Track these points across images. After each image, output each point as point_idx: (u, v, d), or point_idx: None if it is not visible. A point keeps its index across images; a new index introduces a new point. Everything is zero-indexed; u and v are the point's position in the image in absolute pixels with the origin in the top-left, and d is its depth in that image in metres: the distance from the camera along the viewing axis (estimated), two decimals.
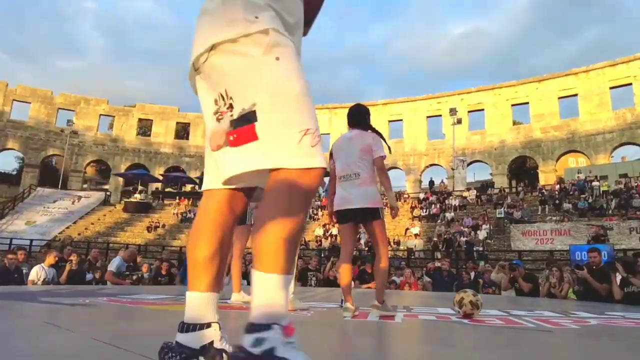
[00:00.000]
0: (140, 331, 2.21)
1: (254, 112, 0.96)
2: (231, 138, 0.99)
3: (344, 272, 3.36)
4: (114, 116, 34.98)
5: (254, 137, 0.96)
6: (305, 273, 8.36)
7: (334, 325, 2.65)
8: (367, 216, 3.21)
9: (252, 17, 0.99)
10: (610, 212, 18.60)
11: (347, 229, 3.31)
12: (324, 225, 21.46)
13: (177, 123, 35.70)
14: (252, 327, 0.90)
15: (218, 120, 1.02)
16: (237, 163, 0.98)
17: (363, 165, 3.23)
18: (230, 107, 0.99)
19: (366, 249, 15.96)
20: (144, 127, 36.13)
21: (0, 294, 3.96)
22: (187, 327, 1.02)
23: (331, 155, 3.49)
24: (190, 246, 1.10)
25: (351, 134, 3.38)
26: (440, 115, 32.58)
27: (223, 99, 1.01)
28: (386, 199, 3.47)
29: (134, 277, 6.84)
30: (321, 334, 2.34)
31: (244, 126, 0.97)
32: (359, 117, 3.43)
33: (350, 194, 3.21)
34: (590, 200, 19.96)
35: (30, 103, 32.21)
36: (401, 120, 33.38)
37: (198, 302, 1.05)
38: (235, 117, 0.98)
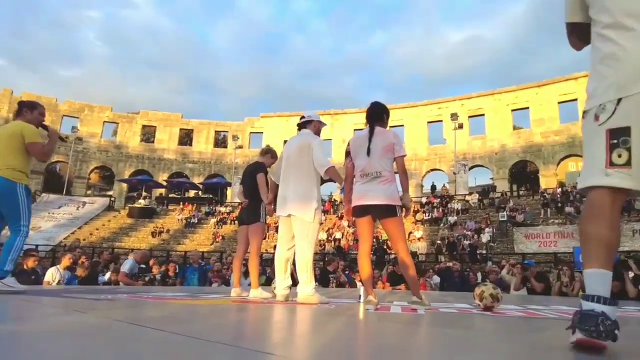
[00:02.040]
0: (177, 318, 2.27)
1: None
2: None
3: (364, 266, 3.41)
4: (117, 123, 35.17)
5: None
6: (327, 276, 8.45)
7: (358, 315, 2.71)
8: (384, 213, 3.25)
9: None
10: None
11: (365, 223, 3.34)
12: (328, 230, 21.52)
13: (181, 129, 35.88)
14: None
15: None
16: None
17: (384, 163, 3.26)
18: None
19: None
20: (148, 134, 36.32)
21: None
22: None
23: (347, 154, 3.53)
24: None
25: (368, 132, 3.36)
26: (441, 121, 32.69)
27: None
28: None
29: (146, 279, 6.90)
30: (350, 322, 2.40)
31: None
32: (377, 117, 3.44)
33: (370, 190, 3.24)
34: None
35: None
36: (402, 125, 33.40)
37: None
38: None
